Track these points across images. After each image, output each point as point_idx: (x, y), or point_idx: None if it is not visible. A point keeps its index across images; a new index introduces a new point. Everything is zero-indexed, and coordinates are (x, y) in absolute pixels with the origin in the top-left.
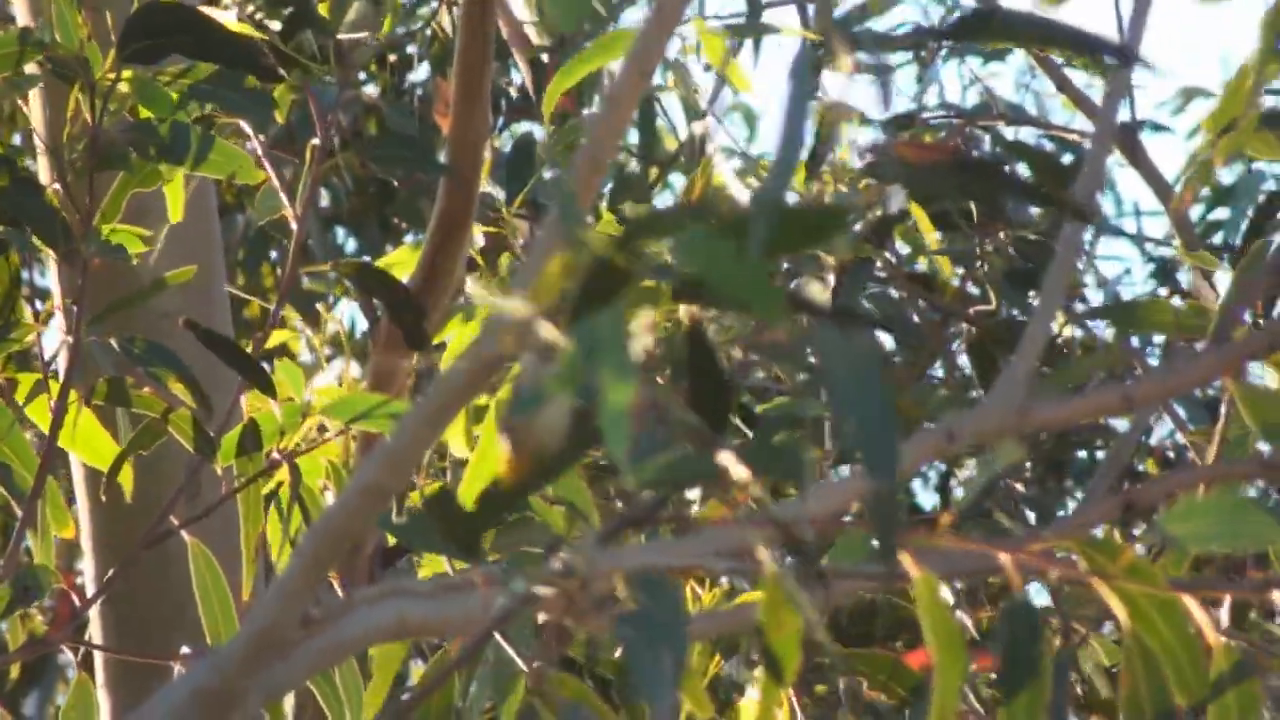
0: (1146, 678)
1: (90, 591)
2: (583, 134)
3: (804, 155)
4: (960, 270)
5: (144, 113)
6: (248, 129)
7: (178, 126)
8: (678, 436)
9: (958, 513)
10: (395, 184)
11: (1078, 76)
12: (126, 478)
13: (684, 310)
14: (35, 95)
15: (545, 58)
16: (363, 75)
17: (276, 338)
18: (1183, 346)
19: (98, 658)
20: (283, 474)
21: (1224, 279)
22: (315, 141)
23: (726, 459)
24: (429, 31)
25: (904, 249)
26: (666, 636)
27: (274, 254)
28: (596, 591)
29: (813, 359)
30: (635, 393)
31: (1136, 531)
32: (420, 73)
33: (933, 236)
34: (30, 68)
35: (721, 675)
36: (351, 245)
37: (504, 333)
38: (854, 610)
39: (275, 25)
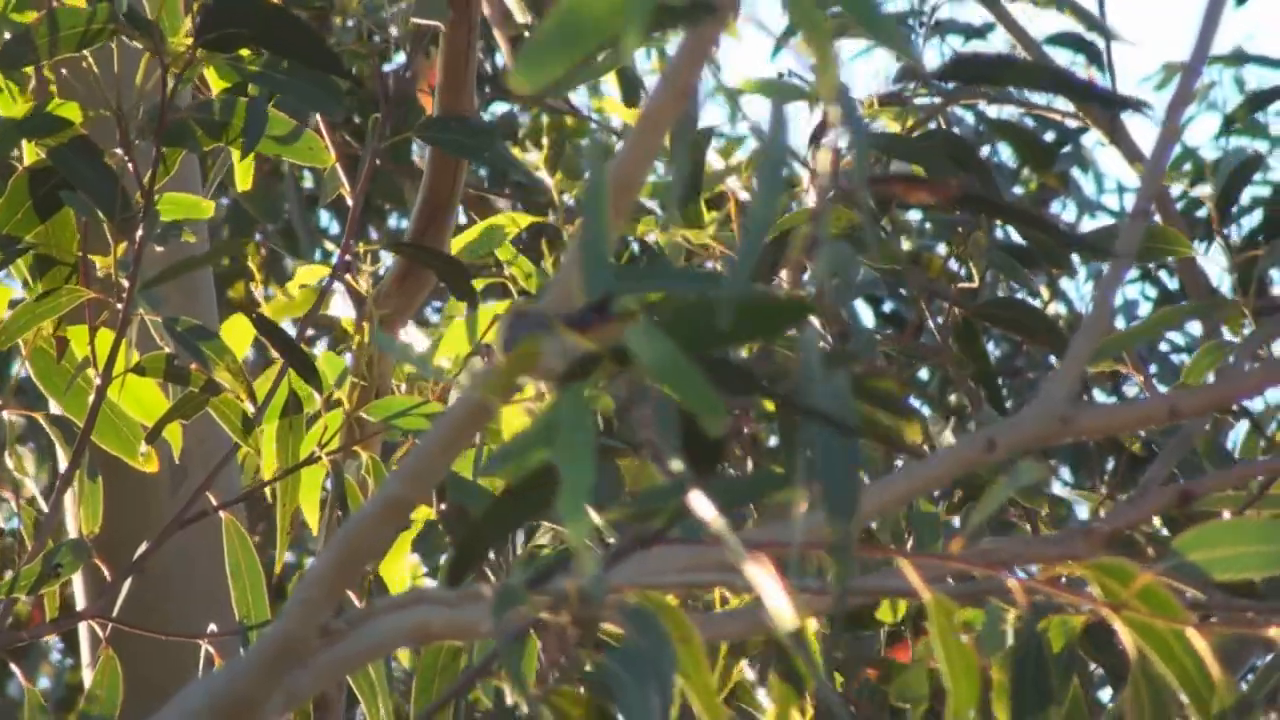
0: (1153, 711)
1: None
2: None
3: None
4: (943, 248)
5: (216, 84)
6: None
7: (248, 105)
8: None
9: (969, 535)
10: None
11: (1059, 55)
12: (175, 436)
13: None
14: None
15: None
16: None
17: (282, 308)
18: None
19: (84, 640)
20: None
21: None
22: (377, 116)
23: (697, 498)
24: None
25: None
26: (654, 673)
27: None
28: (593, 619)
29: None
30: (592, 479)
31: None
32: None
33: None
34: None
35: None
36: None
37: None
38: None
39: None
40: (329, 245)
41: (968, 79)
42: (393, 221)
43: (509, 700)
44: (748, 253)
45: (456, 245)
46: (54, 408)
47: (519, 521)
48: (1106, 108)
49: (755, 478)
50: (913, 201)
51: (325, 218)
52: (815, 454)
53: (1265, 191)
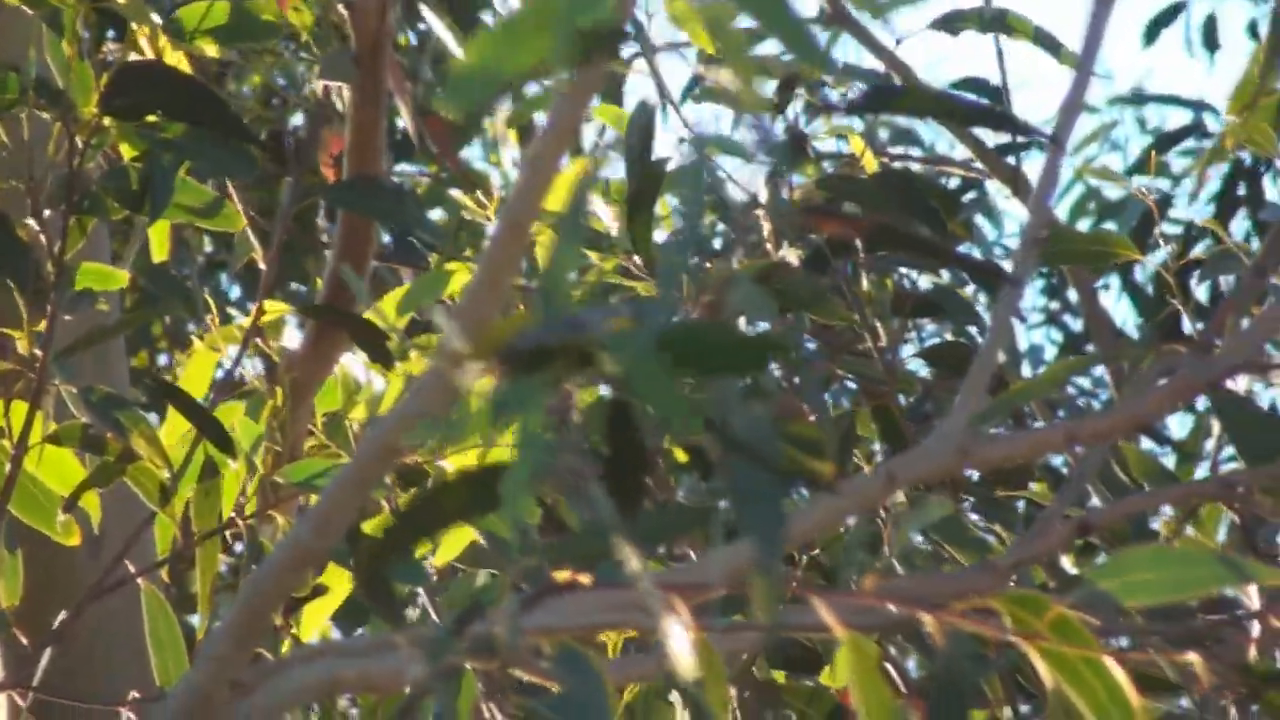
0: None
1: None
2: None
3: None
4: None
5: (127, 151)
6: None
7: (154, 173)
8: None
9: (883, 569)
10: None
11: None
12: (93, 505)
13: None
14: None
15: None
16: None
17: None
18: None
19: (3, 711)
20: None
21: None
22: (290, 180)
23: (620, 541)
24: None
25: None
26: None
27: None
28: (509, 663)
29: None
30: (539, 468)
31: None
32: (298, 117)
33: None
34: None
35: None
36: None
37: (433, 390)
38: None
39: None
40: (231, 310)
41: (882, 110)
42: (294, 285)
43: None
44: (667, 288)
45: (389, 302)
46: None
47: (416, 538)
48: (1016, 134)
49: (676, 513)
50: (827, 234)
51: (225, 280)
52: (739, 490)
53: (1174, 230)
